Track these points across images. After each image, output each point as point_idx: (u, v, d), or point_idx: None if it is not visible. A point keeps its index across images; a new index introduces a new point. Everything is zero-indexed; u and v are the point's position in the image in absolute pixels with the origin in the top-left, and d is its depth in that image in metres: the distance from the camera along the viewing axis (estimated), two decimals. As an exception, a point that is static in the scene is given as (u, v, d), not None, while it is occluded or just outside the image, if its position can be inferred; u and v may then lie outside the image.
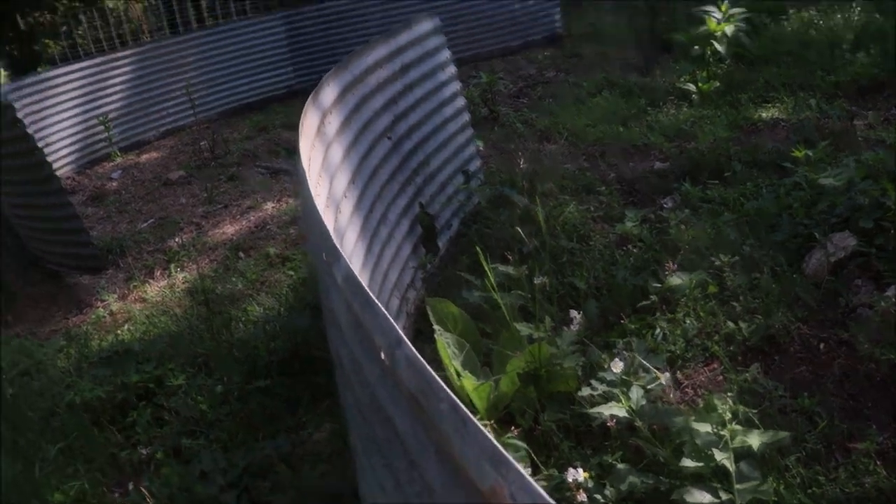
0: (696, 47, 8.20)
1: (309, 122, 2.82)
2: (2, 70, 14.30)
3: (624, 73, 9.26)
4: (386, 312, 1.24)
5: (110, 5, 35.77)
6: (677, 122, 7.18)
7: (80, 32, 23.67)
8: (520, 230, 3.75)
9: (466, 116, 5.40)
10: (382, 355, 1.19)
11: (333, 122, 3.32)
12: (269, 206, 6.92)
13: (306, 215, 1.76)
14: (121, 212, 7.72)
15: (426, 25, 4.97)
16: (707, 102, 7.60)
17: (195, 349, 4.37)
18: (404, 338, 1.16)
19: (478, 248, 3.38)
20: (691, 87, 7.88)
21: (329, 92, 3.35)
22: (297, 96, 11.82)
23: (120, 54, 10.79)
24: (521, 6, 11.66)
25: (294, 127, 8.52)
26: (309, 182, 1.89)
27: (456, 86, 5.28)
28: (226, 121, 11.13)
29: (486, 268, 3.20)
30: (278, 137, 9.40)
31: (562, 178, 6.02)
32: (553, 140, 7.38)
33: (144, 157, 10.09)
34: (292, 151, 8.68)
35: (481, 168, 5.72)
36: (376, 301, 1.29)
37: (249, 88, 11.76)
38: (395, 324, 1.21)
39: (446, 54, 5.17)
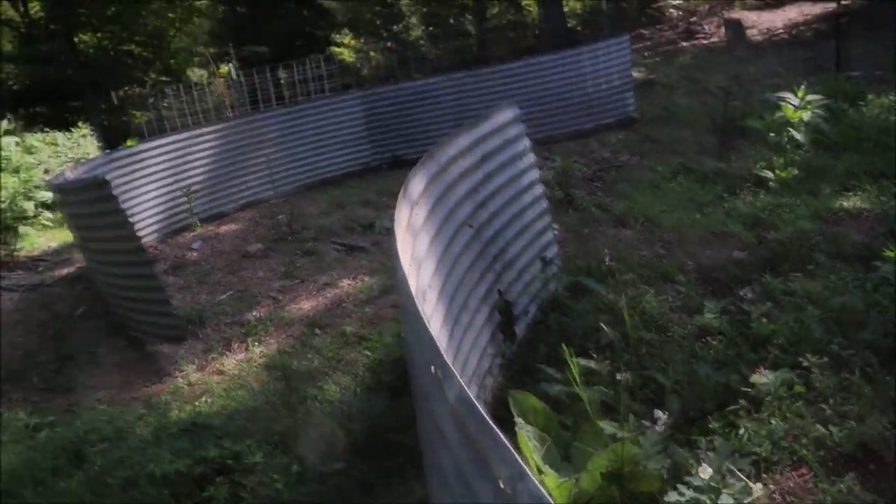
0: (773, 134, 8.16)
1: (400, 216, 2.89)
2: (95, 142, 14.98)
3: (698, 158, 9.26)
4: (505, 440, 1.25)
5: (195, 80, 37.40)
6: (755, 209, 7.10)
7: (165, 105, 24.83)
8: (603, 324, 3.73)
9: (545, 203, 5.45)
10: (502, 484, 1.20)
11: (420, 213, 3.40)
12: (345, 284, 7.03)
13: (410, 321, 1.78)
14: (200, 282, 7.93)
15: (506, 114, 5.08)
16: (786, 190, 7.51)
17: (272, 426, 4.42)
18: (527, 471, 1.17)
19: (563, 345, 3.37)
20: (769, 174, 7.81)
21: (417, 184, 3.44)
22: (372, 172, 12.16)
23: (205, 129, 11.27)
24: (595, 89, 11.81)
25: (369, 203, 8.72)
26: (410, 285, 1.92)
27: (535, 173, 5.35)
28: (304, 195, 11.44)
29: (571, 363, 3.19)
30: (354, 214, 9.60)
31: (639, 266, 5.98)
32: (629, 225, 7.36)
33: (224, 228, 10.40)
34: (367, 227, 8.89)
35: (558, 254, 5.74)
36: (494, 426, 1.31)
37: (328, 164, 12.11)
38: (516, 455, 1.23)
39: (525, 143, 5.26)
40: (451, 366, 1.48)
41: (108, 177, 9.46)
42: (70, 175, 8.38)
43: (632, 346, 4.59)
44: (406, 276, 2.00)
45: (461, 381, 1.43)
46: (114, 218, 5.62)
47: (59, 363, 6.72)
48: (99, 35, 33.38)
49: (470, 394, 1.40)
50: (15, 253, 10.71)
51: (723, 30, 26.97)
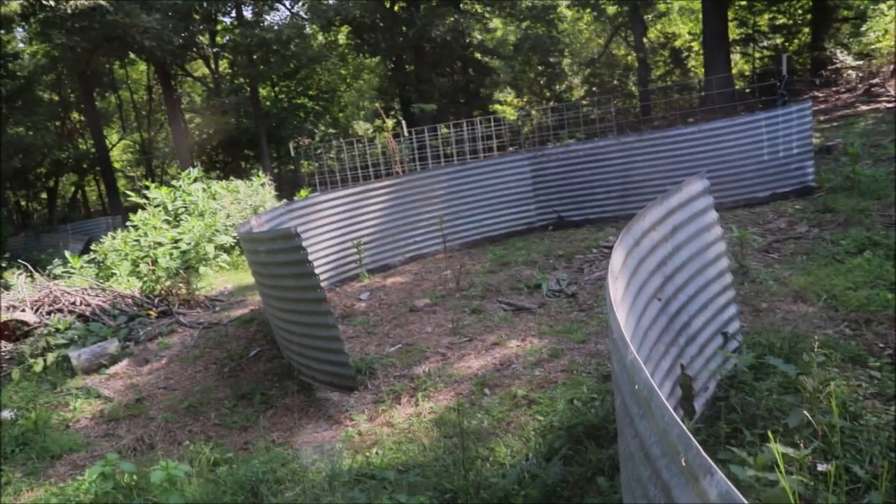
0: (977, 210, 7.57)
1: (611, 291, 2.85)
2: (272, 191, 15.84)
3: (887, 233, 8.70)
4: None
5: (360, 133, 38.95)
6: (956, 292, 6.57)
7: (331, 156, 26.02)
8: (807, 413, 3.52)
9: (729, 278, 5.25)
10: None
11: (619, 288, 3.35)
12: (513, 344, 7.02)
13: (655, 410, 1.74)
14: (369, 333, 8.15)
15: (696, 186, 4.97)
16: None
17: (444, 483, 4.43)
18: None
19: (769, 433, 3.20)
20: (971, 253, 7.24)
21: (616, 259, 3.39)
22: (536, 232, 12.18)
23: (376, 184, 11.66)
24: (771, 156, 11.38)
25: (535, 264, 8.69)
26: (651, 380, 1.87)
27: (720, 246, 5.18)
28: (467, 252, 11.62)
29: (776, 450, 3.01)
30: (520, 274, 9.62)
31: (824, 347, 5.64)
32: (809, 301, 6.97)
33: (390, 280, 10.68)
34: (533, 288, 8.87)
35: (739, 330, 5.50)
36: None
37: (492, 222, 12.27)
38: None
39: (713, 215, 5.11)
40: (710, 460, 1.41)
41: (287, 226, 9.99)
42: (254, 223, 8.90)
43: (821, 433, 4.33)
44: (638, 360, 1.95)
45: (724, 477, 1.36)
46: (301, 268, 5.89)
47: (235, 401, 7.06)
48: (276, 89, 35.65)
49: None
50: (196, 292, 11.43)
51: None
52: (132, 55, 25.94)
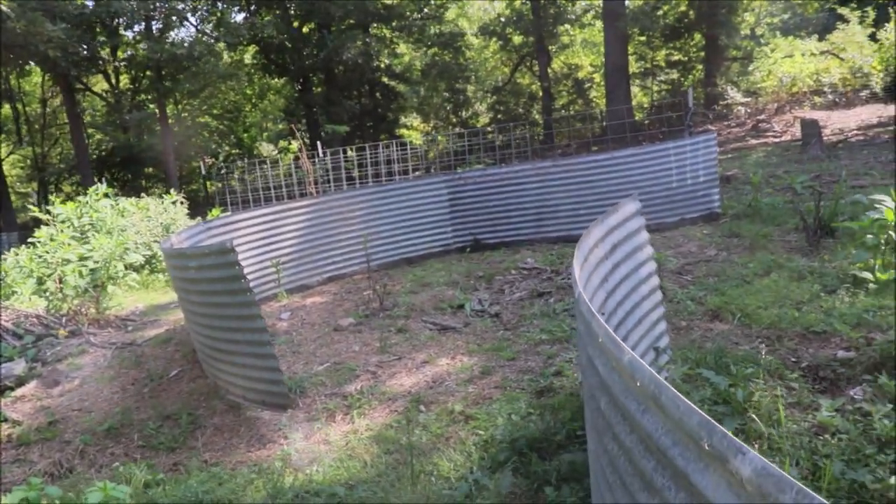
0: (871, 236, 8.13)
1: (587, 301, 2.97)
2: (184, 209, 15.50)
3: (789, 255, 9.25)
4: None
5: (264, 154, 38.42)
6: (856, 310, 7.04)
7: (234, 176, 25.61)
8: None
9: (659, 295, 5.50)
10: None
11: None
12: (443, 362, 7.09)
13: (666, 403, 1.84)
14: (294, 352, 8.07)
15: (630, 207, 5.19)
16: (886, 292, 7.45)
17: (391, 499, 4.45)
18: None
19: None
20: (868, 275, 7.76)
21: (576, 272, 3.52)
22: (453, 254, 12.33)
23: (295, 203, 11.61)
24: (679, 183, 11.90)
25: (456, 284, 8.82)
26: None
27: (652, 265, 5.43)
28: (386, 272, 11.65)
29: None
30: (442, 294, 9.72)
31: (745, 361, 5.96)
32: (724, 320, 7.34)
33: (309, 300, 10.60)
34: (457, 308, 8.98)
35: (668, 345, 5.75)
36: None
37: (409, 243, 12.35)
38: None
39: (645, 235, 5.35)
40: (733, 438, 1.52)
41: (206, 244, 9.81)
42: (174, 240, 8.71)
43: (751, 439, 4.58)
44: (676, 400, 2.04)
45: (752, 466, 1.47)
46: (236, 284, 5.82)
47: (160, 422, 6.86)
48: (179, 107, 34.91)
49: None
50: (106, 311, 11.05)
51: (794, 128, 27.15)
52: (31, 65, 24.98)
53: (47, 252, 11.59)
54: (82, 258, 11.64)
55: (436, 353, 7.41)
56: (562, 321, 7.94)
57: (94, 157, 34.13)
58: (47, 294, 11.02)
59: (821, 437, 4.64)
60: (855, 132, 23.01)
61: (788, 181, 12.69)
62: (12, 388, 8.45)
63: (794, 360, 6.17)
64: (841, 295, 7.55)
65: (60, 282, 10.83)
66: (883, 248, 7.97)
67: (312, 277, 11.54)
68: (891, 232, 7.95)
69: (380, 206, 12.12)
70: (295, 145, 37.96)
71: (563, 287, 9.39)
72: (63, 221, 13.35)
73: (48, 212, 13.76)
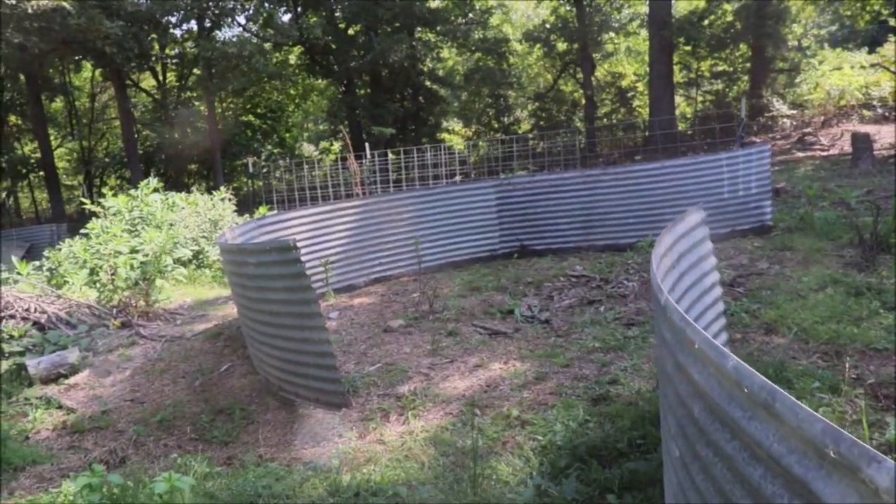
0: (931, 255, 8.00)
1: (676, 307, 2.95)
2: (231, 206, 15.65)
3: (844, 271, 9.09)
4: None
5: (305, 154, 38.72)
6: (918, 329, 6.91)
7: (276, 176, 25.85)
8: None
9: (721, 306, 5.44)
10: None
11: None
12: (496, 367, 7.07)
13: (781, 410, 1.82)
14: (345, 352, 8.10)
15: (696, 217, 5.14)
16: (948, 313, 7.31)
17: (452, 501, 4.44)
18: None
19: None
20: (928, 294, 7.63)
21: (656, 279, 3.49)
22: (499, 259, 12.31)
23: (345, 204, 11.67)
24: (731, 195, 11.77)
25: (505, 290, 8.79)
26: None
27: (715, 276, 5.36)
28: (432, 276, 11.66)
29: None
30: (491, 299, 9.71)
31: (805, 376, 5.87)
32: (780, 334, 7.23)
33: (357, 300, 10.65)
34: (507, 313, 8.96)
35: (730, 356, 5.68)
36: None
37: (456, 248, 12.36)
38: None
39: (709, 245, 5.29)
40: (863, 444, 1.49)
41: (258, 240, 9.90)
42: (228, 236, 8.81)
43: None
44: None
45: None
46: (297, 281, 5.85)
47: (213, 415, 6.93)
48: (224, 105, 35.31)
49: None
50: (155, 304, 11.19)
51: (841, 142, 26.79)
52: (85, 60, 25.44)
53: (100, 244, 11.77)
54: (133, 250, 11.81)
55: (488, 357, 7.39)
56: (614, 330, 7.88)
57: (140, 152, 34.68)
58: (98, 285, 11.19)
59: (891, 456, 4.56)
60: (905, 147, 22.64)
61: (842, 195, 12.48)
62: (66, 376, 8.59)
63: (854, 376, 6.06)
64: (901, 313, 7.41)
65: (113, 273, 11.00)
66: (944, 267, 7.82)
67: (359, 278, 11.59)
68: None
69: (427, 209, 12.15)
70: (336, 146, 38.28)
71: (612, 296, 9.33)
72: (115, 214, 13.56)
73: (100, 204, 13.98)
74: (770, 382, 1.88)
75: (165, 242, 11.90)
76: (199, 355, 8.90)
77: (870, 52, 33.72)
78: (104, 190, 15.52)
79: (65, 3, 17.65)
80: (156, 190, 14.58)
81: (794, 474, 1.75)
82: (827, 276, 8.77)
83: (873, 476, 1.46)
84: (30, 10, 17.45)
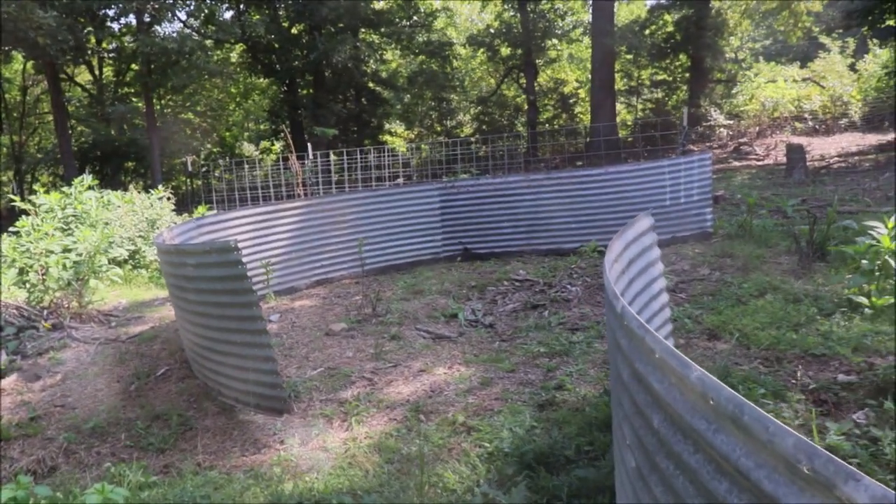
0: (866, 261, 8.18)
1: (634, 315, 2.91)
2: (170, 205, 15.28)
3: (782, 278, 9.27)
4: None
5: (245, 154, 38.20)
6: (853, 334, 7.05)
7: (216, 175, 25.41)
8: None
9: (668, 312, 5.45)
10: None
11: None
12: (440, 371, 6.99)
13: (750, 423, 1.77)
14: (286, 356, 7.93)
15: (645, 223, 5.15)
16: (882, 317, 7.48)
17: (399, 510, 4.34)
18: None
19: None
20: (863, 299, 7.80)
21: (610, 286, 3.46)
22: (442, 262, 12.24)
23: (287, 204, 11.47)
24: (673, 201, 11.92)
25: (448, 293, 8.71)
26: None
27: (662, 282, 5.38)
28: (375, 278, 11.54)
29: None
30: (435, 303, 9.63)
31: (748, 381, 5.93)
32: (722, 339, 7.31)
33: (298, 303, 10.46)
34: (451, 317, 8.89)
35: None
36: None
37: (398, 250, 12.25)
38: None
39: (657, 252, 5.30)
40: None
41: (197, 241, 9.65)
42: (166, 236, 8.54)
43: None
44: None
45: None
46: (238, 283, 5.68)
47: (149, 422, 6.69)
48: (162, 102, 34.52)
49: None
50: (88, 305, 10.82)
51: (775, 152, 27.48)
52: (16, 51, 24.56)
53: (30, 242, 11.33)
54: (66, 250, 11.41)
55: (432, 361, 7.30)
56: (558, 335, 7.87)
57: (75, 149, 33.67)
58: (28, 285, 10.77)
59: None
60: (836, 159, 23.32)
61: (779, 204, 12.75)
62: (-8, 381, 8.23)
63: (793, 381, 6.16)
64: (837, 319, 7.57)
65: (44, 273, 10.60)
66: (878, 273, 8.01)
67: (301, 280, 11.40)
68: (887, 258, 7.99)
69: (371, 211, 12.01)
70: (277, 147, 37.79)
71: (556, 300, 9.33)
72: (47, 212, 13.08)
73: (31, 202, 13.48)
74: (736, 395, 1.84)
75: (100, 242, 11.52)
76: (134, 358, 8.62)
77: (801, 67, 34.79)
78: (35, 187, 14.96)
79: (-8, -9, 17.01)
80: (90, 187, 14.13)
81: (763, 490, 1.71)
82: (766, 283, 8.93)
83: (850, 494, 1.42)
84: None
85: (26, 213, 13.48)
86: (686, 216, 11.99)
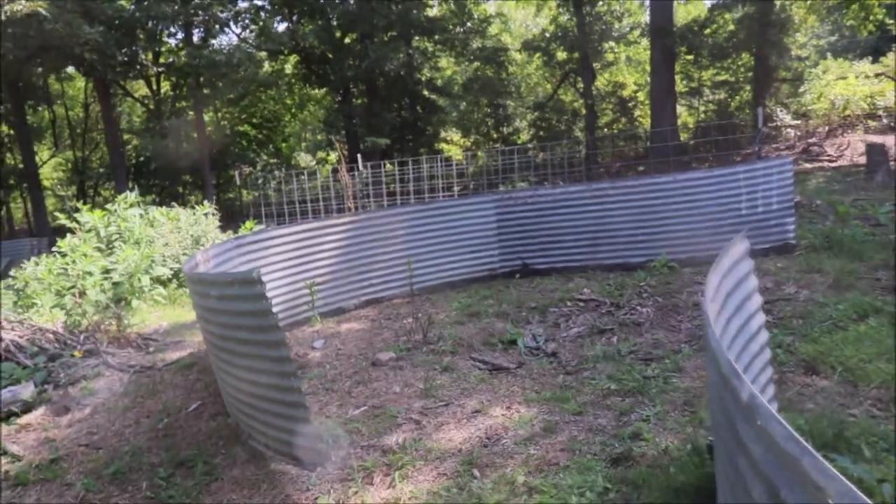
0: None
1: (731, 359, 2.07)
2: (216, 221, 14.79)
3: (883, 297, 8.21)
4: None
5: (302, 164, 38.07)
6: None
7: (272, 187, 25.03)
8: None
9: (768, 354, 4.55)
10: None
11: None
12: (497, 413, 6.15)
13: None
14: (327, 389, 7.21)
15: (740, 248, 4.29)
16: None
17: None
18: None
19: None
20: None
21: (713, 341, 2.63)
22: (499, 279, 11.43)
23: (333, 221, 10.80)
24: (750, 211, 10.90)
25: (506, 316, 7.87)
26: None
27: (761, 318, 4.48)
28: (427, 297, 10.79)
29: None
30: (491, 327, 8.79)
31: (864, 434, 4.97)
32: (822, 374, 6.33)
33: (344, 326, 9.76)
34: (508, 344, 8.07)
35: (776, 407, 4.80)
36: None
37: (451, 267, 11.48)
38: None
39: (755, 282, 4.42)
40: None
41: (235, 262, 9.02)
42: (199, 258, 7.89)
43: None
44: None
45: None
46: (262, 320, 4.96)
47: (172, 469, 6.03)
48: (219, 115, 34.47)
49: None
50: (127, 329, 10.32)
51: (848, 152, 26.07)
52: (70, 69, 24.60)
53: (69, 263, 10.88)
54: (106, 270, 10.94)
55: (488, 400, 6.48)
56: (630, 366, 6.99)
57: (133, 163, 33.82)
58: (67, 308, 10.31)
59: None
60: (918, 159, 21.86)
61: (868, 210, 11.57)
62: (18, 415, 7.71)
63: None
64: (956, 348, 6.54)
65: (80, 296, 10.12)
66: None
67: (349, 300, 10.71)
68: None
69: (422, 225, 11.27)
70: (332, 157, 37.44)
71: (625, 324, 8.44)
72: (89, 230, 12.67)
73: (75, 220, 13.11)
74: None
75: (141, 261, 11.03)
76: (167, 390, 8.01)
77: (873, 62, 33.14)
78: (79, 204, 14.62)
79: (41, 9, 16.78)
80: (135, 204, 13.69)
81: None
82: (865, 304, 7.88)
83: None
84: (3, 17, 16.55)
85: (72, 231, 13.11)
86: (765, 227, 10.95)
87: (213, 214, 14.84)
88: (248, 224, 14.37)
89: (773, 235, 10.93)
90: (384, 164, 20.58)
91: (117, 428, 7.16)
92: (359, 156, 17.05)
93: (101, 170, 37.40)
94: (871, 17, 33.82)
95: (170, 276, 12.73)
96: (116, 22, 20.42)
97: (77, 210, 13.42)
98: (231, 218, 19.61)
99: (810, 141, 29.48)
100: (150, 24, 22.45)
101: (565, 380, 6.86)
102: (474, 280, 11.52)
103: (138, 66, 25.80)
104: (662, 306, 8.93)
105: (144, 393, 8.03)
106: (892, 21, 33.98)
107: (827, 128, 30.77)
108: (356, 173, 16.42)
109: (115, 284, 10.65)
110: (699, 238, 10.95)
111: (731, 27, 31.83)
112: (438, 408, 6.38)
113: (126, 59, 22.39)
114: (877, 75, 32.63)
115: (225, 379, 6.21)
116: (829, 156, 26.83)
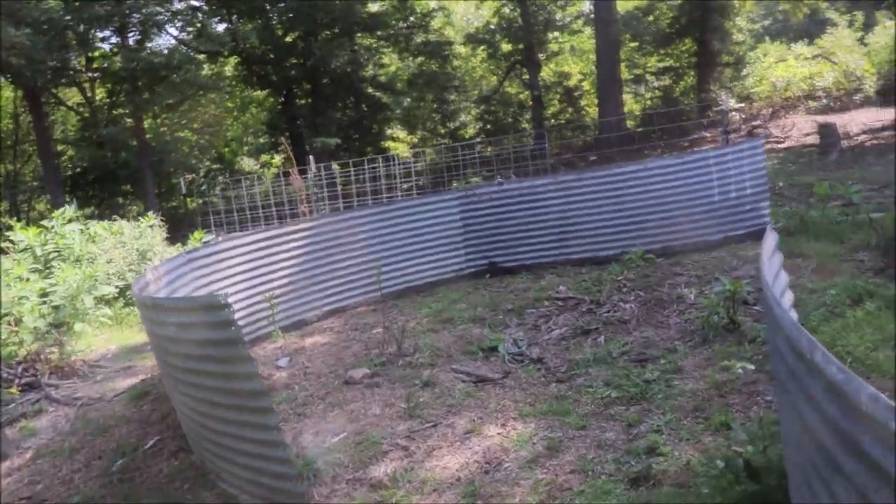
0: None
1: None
2: (162, 233, 13.97)
3: (873, 280, 7.89)
4: None
5: (246, 169, 37.07)
6: None
7: (216, 193, 24.14)
8: None
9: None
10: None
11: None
12: (492, 432, 5.61)
13: None
14: (299, 415, 6.58)
15: (770, 241, 3.83)
16: None
17: None
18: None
19: None
20: None
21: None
22: (466, 280, 10.91)
23: (290, 228, 10.21)
24: (722, 197, 10.56)
25: (482, 321, 7.31)
26: None
27: (794, 315, 4.03)
28: (393, 303, 10.20)
29: None
30: (468, 333, 8.22)
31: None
32: (831, 367, 5.93)
33: (309, 340, 9.13)
34: (489, 351, 7.54)
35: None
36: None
37: (417, 269, 10.93)
38: None
39: (785, 278, 3.99)
40: None
41: (188, 278, 8.32)
42: (150, 276, 7.17)
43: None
44: None
45: None
46: (230, 350, 4.34)
47: (131, 519, 5.37)
48: (158, 121, 33.25)
49: None
50: (71, 356, 9.52)
51: (794, 132, 26.23)
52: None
53: (2, 288, 10.02)
54: (44, 293, 10.12)
55: (479, 417, 5.93)
56: (625, 369, 6.52)
57: (69, 174, 32.42)
58: (1, 339, 9.47)
59: None
60: (864, 136, 22.00)
61: (840, 190, 11.29)
62: (-53, 465, 6.94)
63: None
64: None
65: (16, 324, 9.30)
66: None
67: (310, 311, 10.07)
68: None
69: (384, 227, 10.68)
70: (277, 160, 36.49)
71: (610, 322, 7.98)
72: (23, 250, 11.76)
73: (8, 239, 12.19)
74: None
75: (83, 282, 10.23)
76: (120, 424, 7.29)
77: (809, 44, 33.67)
78: (11, 221, 13.67)
79: (-40, 11, 15.69)
80: (73, 219, 12.79)
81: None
82: (858, 288, 7.53)
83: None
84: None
85: (4, 252, 12.19)
86: (739, 212, 10.63)
87: (159, 226, 14.00)
88: (197, 234, 13.58)
89: (748, 221, 10.61)
90: (332, 165, 19.88)
91: (64, 474, 6.43)
92: (311, 157, 16.34)
93: (35, 183, 35.78)
94: (805, 1, 34.35)
95: (115, 295, 11.89)
96: (44, 25, 19.27)
97: (9, 228, 12.50)
98: (177, 228, 18.67)
99: (754, 123, 29.73)
100: (81, 26, 21.29)
101: (559, 389, 6.36)
102: (441, 282, 10.97)
103: (70, 72, 24.60)
104: (646, 301, 8.50)
105: (94, 430, 7.28)
106: (825, 4, 34.51)
107: (770, 110, 31.09)
108: (308, 176, 15.70)
109: (56, 308, 9.85)
110: (673, 227, 10.59)
111: (674, 13, 31.98)
112: (426, 430, 5.81)
113: (57, 64, 21.21)
114: (814, 57, 33.11)
115: (188, 414, 5.55)
116: (776, 137, 26.95)
